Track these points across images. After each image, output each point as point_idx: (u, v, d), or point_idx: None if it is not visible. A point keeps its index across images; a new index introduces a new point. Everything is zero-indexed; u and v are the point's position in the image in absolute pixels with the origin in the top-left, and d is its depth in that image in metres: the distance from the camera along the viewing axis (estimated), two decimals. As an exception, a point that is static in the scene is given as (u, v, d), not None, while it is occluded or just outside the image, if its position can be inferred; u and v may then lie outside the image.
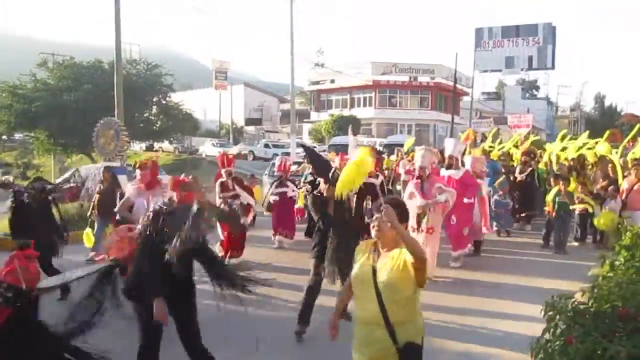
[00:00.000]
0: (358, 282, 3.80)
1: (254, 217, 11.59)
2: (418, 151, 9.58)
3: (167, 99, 41.49)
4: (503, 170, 14.36)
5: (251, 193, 11.16)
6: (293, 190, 12.36)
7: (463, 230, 10.03)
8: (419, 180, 9.23)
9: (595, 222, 11.07)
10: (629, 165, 12.33)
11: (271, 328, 6.91)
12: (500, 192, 13.31)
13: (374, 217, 3.69)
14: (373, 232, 3.74)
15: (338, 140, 31.15)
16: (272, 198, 12.14)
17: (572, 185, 11.75)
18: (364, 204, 11.01)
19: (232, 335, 6.59)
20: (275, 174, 12.74)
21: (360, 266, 3.82)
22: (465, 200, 9.94)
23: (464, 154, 16.16)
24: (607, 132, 17.67)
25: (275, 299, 8.12)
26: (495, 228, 13.11)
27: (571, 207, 11.63)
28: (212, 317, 7.30)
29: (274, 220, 12.35)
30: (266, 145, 44.37)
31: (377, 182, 11.15)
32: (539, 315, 3.49)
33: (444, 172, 10.32)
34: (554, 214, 11.62)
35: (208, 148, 45.14)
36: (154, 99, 40.49)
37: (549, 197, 11.87)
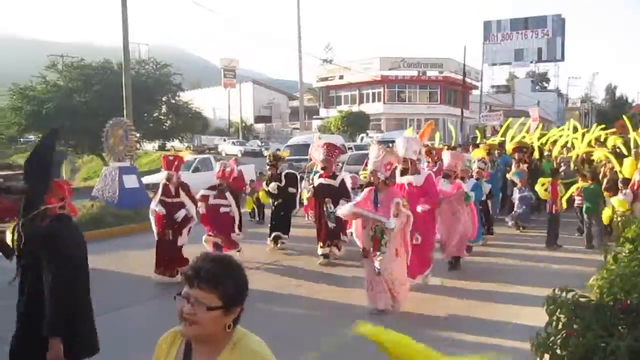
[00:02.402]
0: None
1: (189, 230, 9.28)
2: (371, 150, 7.60)
3: (176, 98, 41.65)
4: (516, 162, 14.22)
5: (195, 202, 9.46)
6: (228, 206, 10.05)
7: (430, 252, 8.36)
8: (372, 188, 7.20)
9: (604, 213, 10.96)
10: None
11: (286, 325, 6.98)
12: (519, 185, 13.16)
13: (183, 298, 2.03)
14: (182, 326, 2.06)
15: (295, 140, 30.64)
16: (201, 209, 9.93)
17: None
18: (324, 207, 10.05)
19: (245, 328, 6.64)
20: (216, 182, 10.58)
21: None
22: (419, 208, 7.97)
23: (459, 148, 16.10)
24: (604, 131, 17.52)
25: (289, 297, 8.22)
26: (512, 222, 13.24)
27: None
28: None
29: (207, 226, 10.21)
30: None
31: (337, 182, 10.22)
32: (542, 310, 3.49)
33: (400, 179, 8.33)
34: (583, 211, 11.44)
35: (227, 147, 45.23)
36: (163, 99, 40.64)
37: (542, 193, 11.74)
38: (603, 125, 18.59)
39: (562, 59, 75.14)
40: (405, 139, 8.61)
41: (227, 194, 10.13)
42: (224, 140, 52.16)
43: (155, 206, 9.13)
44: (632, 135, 15.06)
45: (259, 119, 65.56)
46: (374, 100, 58.68)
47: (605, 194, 11.50)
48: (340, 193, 10.04)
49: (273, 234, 11.40)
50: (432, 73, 58.82)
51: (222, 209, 10.01)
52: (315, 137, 11.40)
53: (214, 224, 10.02)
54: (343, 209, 7.36)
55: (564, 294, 3.28)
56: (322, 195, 10.12)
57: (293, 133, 56.10)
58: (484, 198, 11.43)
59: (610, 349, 2.81)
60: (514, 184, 13.52)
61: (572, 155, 15.65)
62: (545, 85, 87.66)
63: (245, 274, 2.15)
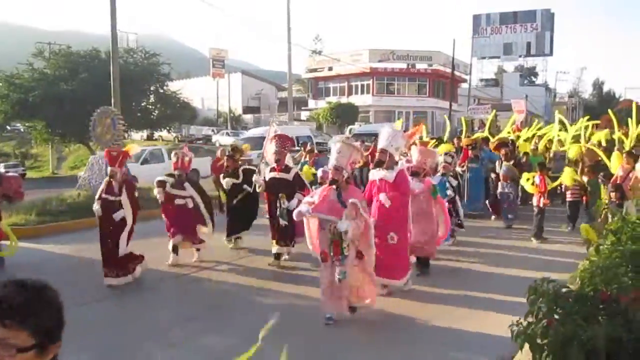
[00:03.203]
0: None
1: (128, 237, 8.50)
2: (333, 145, 6.84)
3: (165, 87, 41.50)
4: (502, 158, 14.02)
5: (136, 205, 8.69)
6: (184, 198, 9.61)
7: (408, 253, 7.69)
8: (332, 187, 6.52)
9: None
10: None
11: (277, 315, 6.94)
12: (503, 180, 12.88)
13: None
14: None
15: (253, 132, 29.95)
16: (159, 196, 9.57)
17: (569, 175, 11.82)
18: (278, 202, 9.31)
19: (236, 322, 6.70)
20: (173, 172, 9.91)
21: None
22: (381, 197, 7.49)
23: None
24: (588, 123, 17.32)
25: (281, 287, 8.25)
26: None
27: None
28: (216, 303, 7.50)
29: (167, 223, 9.77)
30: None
31: (290, 176, 9.46)
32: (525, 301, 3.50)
33: (373, 174, 7.76)
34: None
35: (221, 137, 44.91)
36: (152, 88, 40.50)
37: (529, 187, 11.75)
38: (588, 117, 18.55)
39: (551, 53, 75.34)
40: (393, 131, 7.97)
41: (186, 184, 9.66)
42: (213, 131, 51.97)
43: (95, 206, 8.49)
44: (617, 135, 15.16)
45: (247, 109, 65.42)
46: (362, 92, 58.70)
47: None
48: (294, 187, 9.35)
49: (234, 236, 10.76)
50: (421, 66, 58.93)
51: (177, 201, 9.54)
52: (271, 130, 10.36)
53: (172, 218, 9.61)
54: (299, 209, 6.59)
55: (545, 284, 3.33)
56: (275, 190, 9.39)
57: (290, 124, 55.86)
58: (450, 193, 10.78)
59: (588, 336, 2.85)
60: (498, 179, 13.31)
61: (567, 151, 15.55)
62: (534, 79, 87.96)
63: (61, 301, 1.67)
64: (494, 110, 22.91)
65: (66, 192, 15.47)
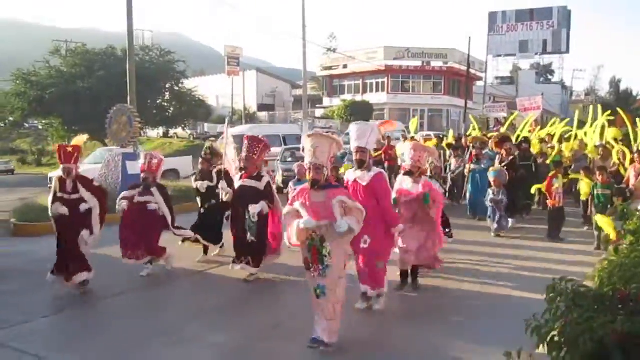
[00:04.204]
0: None
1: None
2: (306, 140, 5.85)
3: (180, 85, 41.67)
4: (503, 156, 13.12)
5: (102, 196, 8.23)
6: (156, 203, 8.84)
7: (377, 263, 6.66)
8: (309, 188, 5.71)
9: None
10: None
11: (287, 313, 7.02)
12: (494, 185, 11.76)
13: None
14: None
15: (232, 131, 29.13)
16: (123, 204, 8.72)
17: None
18: (247, 213, 8.21)
19: (249, 320, 6.73)
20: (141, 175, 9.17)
21: None
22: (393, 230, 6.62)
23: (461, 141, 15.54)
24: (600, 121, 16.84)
25: (292, 285, 8.24)
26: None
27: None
28: (229, 301, 7.52)
29: (122, 235, 8.75)
30: None
31: (262, 185, 8.39)
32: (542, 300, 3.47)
33: (349, 174, 7.03)
34: (592, 208, 10.75)
35: None
36: (167, 86, 40.68)
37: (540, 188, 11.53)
38: (608, 112, 18.12)
39: (567, 51, 74.83)
40: (365, 126, 7.00)
41: (154, 189, 8.87)
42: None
43: (58, 208, 7.78)
44: (632, 133, 14.96)
45: (262, 107, 65.50)
46: (377, 90, 58.61)
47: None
48: (265, 198, 8.31)
49: (203, 242, 9.72)
50: (437, 63, 58.73)
51: (150, 206, 8.78)
52: (226, 130, 9.73)
53: (139, 224, 8.70)
54: (301, 226, 5.48)
55: (564, 283, 3.30)
56: (242, 200, 8.32)
57: (315, 122, 55.66)
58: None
59: (599, 324, 2.84)
60: (490, 184, 12.16)
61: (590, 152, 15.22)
62: (550, 77, 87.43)
63: None
64: (517, 113, 22.09)
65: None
